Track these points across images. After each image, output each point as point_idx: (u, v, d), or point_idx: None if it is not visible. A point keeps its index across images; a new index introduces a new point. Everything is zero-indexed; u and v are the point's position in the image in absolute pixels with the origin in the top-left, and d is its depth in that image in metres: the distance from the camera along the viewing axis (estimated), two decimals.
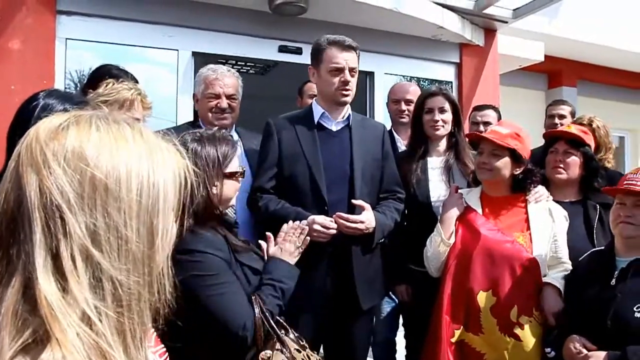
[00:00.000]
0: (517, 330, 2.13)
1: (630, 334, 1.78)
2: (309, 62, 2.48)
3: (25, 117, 1.40)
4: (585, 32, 6.17)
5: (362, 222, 2.23)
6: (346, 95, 2.38)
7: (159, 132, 0.82)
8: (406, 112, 3.16)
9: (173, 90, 3.64)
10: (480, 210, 2.32)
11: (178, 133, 1.48)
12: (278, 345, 1.59)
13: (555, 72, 6.87)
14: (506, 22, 4.76)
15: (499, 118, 3.37)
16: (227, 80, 2.56)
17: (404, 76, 4.53)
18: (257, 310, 1.60)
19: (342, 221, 2.20)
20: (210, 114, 2.54)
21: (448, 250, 2.29)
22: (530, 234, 2.23)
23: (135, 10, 3.49)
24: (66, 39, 3.34)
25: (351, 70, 2.36)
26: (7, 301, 0.60)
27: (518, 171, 2.29)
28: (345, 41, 2.35)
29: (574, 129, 2.53)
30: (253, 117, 3.12)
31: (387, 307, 3.09)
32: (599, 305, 1.89)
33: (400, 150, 3.01)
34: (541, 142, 2.85)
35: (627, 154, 8.10)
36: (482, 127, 3.24)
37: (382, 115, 4.12)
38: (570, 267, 2.21)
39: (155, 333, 1.08)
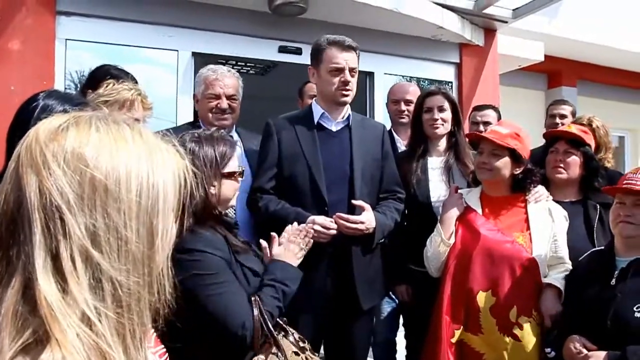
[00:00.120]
0: (516, 331, 2.13)
1: (630, 333, 1.78)
2: (309, 62, 2.48)
3: (25, 118, 1.40)
4: (585, 32, 6.17)
5: (362, 222, 2.23)
6: (346, 96, 2.38)
7: (159, 132, 0.82)
8: (406, 113, 3.16)
9: (173, 90, 3.64)
10: (480, 211, 2.32)
11: (178, 134, 1.49)
12: (274, 349, 1.58)
13: (555, 72, 6.87)
14: (506, 22, 4.76)
15: (499, 118, 3.38)
16: (228, 81, 2.56)
17: (403, 76, 4.53)
18: (256, 311, 1.60)
19: (342, 222, 2.20)
20: (210, 115, 2.54)
21: (448, 250, 2.29)
22: (530, 234, 2.23)
23: (135, 10, 3.49)
24: (66, 39, 3.34)
25: (351, 70, 2.36)
26: (7, 302, 0.60)
27: (518, 171, 2.29)
28: (345, 41, 2.36)
29: (574, 129, 2.53)
30: (253, 117, 3.12)
31: (387, 307, 3.09)
32: (599, 305, 1.89)
33: (400, 151, 3.01)
34: (541, 142, 2.86)
35: (627, 154, 8.10)
36: (482, 127, 3.24)
37: (382, 116, 4.12)
38: (571, 267, 2.21)
39: (155, 333, 1.08)
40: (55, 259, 0.61)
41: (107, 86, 2.11)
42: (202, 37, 3.72)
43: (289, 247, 1.85)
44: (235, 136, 2.58)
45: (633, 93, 7.79)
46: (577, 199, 2.48)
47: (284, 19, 3.82)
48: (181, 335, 1.25)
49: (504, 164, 2.27)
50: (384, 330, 3.09)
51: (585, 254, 2.14)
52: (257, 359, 1.56)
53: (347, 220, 2.21)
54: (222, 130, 1.93)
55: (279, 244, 1.87)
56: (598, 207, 2.39)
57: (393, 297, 3.00)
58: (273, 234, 1.89)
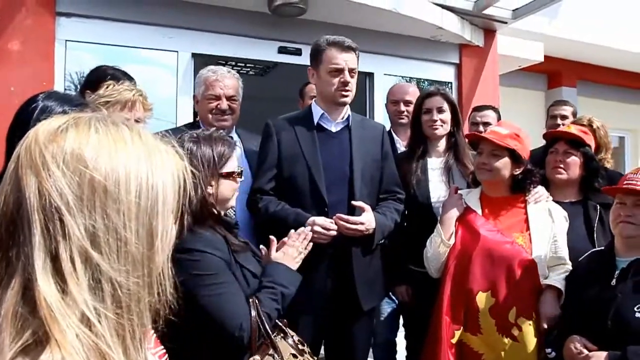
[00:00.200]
0: (515, 332, 2.13)
1: (631, 334, 1.78)
2: (308, 63, 2.48)
3: (25, 119, 1.40)
4: (585, 33, 6.17)
5: (362, 223, 2.23)
6: (346, 96, 2.38)
7: (158, 133, 0.82)
8: (405, 113, 3.16)
9: (173, 91, 3.64)
10: (479, 211, 2.32)
11: (177, 135, 1.49)
12: (270, 351, 1.57)
13: (555, 72, 6.87)
14: (506, 23, 4.76)
15: (499, 118, 3.37)
16: (227, 82, 2.56)
17: (403, 77, 4.53)
18: (253, 313, 1.59)
19: (342, 222, 2.20)
20: (210, 115, 2.54)
21: (448, 251, 2.29)
22: (529, 235, 2.23)
23: (134, 11, 3.49)
24: (66, 40, 3.34)
25: (351, 70, 2.36)
26: (7, 303, 0.60)
27: (517, 171, 2.29)
28: (345, 42, 2.36)
29: (574, 130, 2.53)
30: (253, 118, 3.12)
31: (387, 308, 3.09)
32: (600, 305, 1.89)
33: (399, 151, 3.01)
34: (541, 142, 2.86)
35: (627, 154, 8.09)
36: (481, 128, 3.24)
37: (381, 116, 4.11)
38: (571, 268, 2.21)
39: (154, 334, 1.08)
40: (54, 260, 0.61)
41: (107, 87, 2.12)
42: (201, 38, 3.72)
43: (288, 250, 1.86)
44: (235, 137, 2.58)
45: (633, 93, 7.79)
46: (577, 199, 2.48)
47: (283, 19, 3.82)
48: (180, 335, 1.25)
49: (504, 164, 2.27)
50: (384, 331, 3.08)
51: (585, 255, 2.14)
52: (253, 359, 1.56)
53: (347, 221, 2.21)
54: (222, 131, 1.93)
55: (278, 249, 1.86)
56: (598, 207, 2.39)
57: (393, 297, 3.00)
58: (272, 237, 1.89)
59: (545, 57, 5.77)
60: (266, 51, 3.99)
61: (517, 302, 2.14)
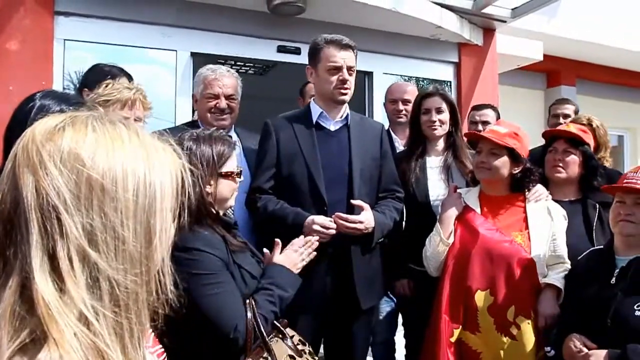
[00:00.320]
0: (513, 330, 2.13)
1: (631, 332, 1.78)
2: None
3: (22, 118, 1.40)
4: (584, 31, 6.17)
5: (361, 222, 2.23)
6: (344, 94, 2.37)
7: (156, 132, 0.82)
8: (403, 112, 3.16)
9: (172, 90, 3.64)
10: (479, 210, 2.32)
11: (176, 134, 1.48)
12: (264, 354, 1.56)
13: (554, 71, 6.87)
14: (505, 22, 4.76)
15: (498, 117, 3.37)
16: (226, 81, 2.55)
17: (402, 76, 4.53)
18: (249, 314, 1.58)
19: (341, 221, 2.20)
20: (209, 115, 2.54)
21: (447, 249, 2.29)
22: (528, 233, 2.23)
23: (133, 10, 3.49)
24: (64, 39, 3.34)
25: (349, 69, 2.36)
26: (5, 302, 0.60)
27: (517, 170, 2.29)
28: (343, 40, 2.35)
29: (573, 128, 2.53)
30: (252, 117, 3.11)
31: (386, 307, 3.08)
32: (600, 303, 1.89)
33: (398, 150, 3.01)
34: (540, 141, 2.85)
35: (626, 153, 8.10)
36: (480, 127, 3.24)
37: (380, 115, 4.11)
38: (570, 266, 2.21)
39: (153, 333, 1.08)
40: (52, 258, 0.61)
41: (106, 86, 2.11)
42: (200, 37, 3.72)
43: (291, 255, 1.85)
44: (234, 136, 2.58)
45: (632, 92, 7.79)
46: (576, 198, 2.48)
47: (282, 18, 3.82)
48: (179, 334, 1.25)
49: (503, 163, 2.27)
50: (383, 330, 3.08)
51: (584, 253, 2.15)
52: None
53: (347, 220, 2.21)
54: (222, 131, 1.93)
55: (281, 252, 1.86)
56: (597, 206, 2.39)
57: (391, 297, 3.00)
58: (277, 240, 1.88)
59: (544, 55, 5.77)
60: (265, 50, 3.99)
61: (515, 300, 2.14)
